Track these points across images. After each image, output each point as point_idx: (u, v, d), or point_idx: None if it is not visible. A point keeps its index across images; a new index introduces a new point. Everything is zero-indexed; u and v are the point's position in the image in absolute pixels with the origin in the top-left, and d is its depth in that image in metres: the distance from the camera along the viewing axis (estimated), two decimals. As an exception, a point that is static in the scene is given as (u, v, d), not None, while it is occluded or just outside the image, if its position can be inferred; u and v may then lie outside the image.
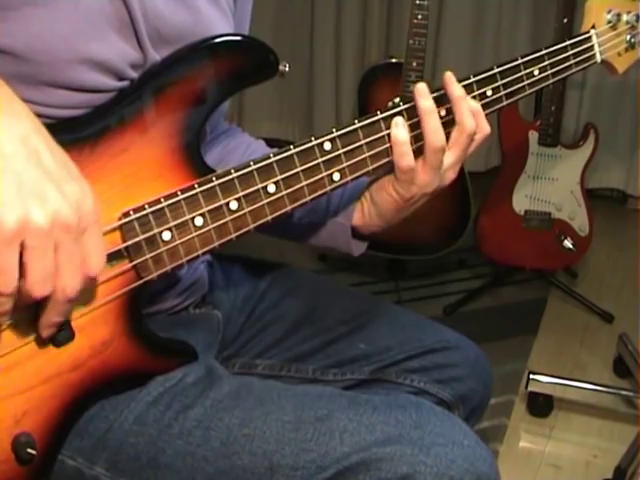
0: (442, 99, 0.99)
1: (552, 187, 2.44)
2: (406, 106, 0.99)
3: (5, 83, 0.75)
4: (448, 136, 0.98)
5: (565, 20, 2.24)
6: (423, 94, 0.97)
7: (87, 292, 0.84)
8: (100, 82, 0.88)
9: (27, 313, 0.80)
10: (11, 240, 0.69)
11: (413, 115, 0.98)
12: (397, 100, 1.00)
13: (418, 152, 0.98)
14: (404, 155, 0.96)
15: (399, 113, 0.99)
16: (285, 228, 1.12)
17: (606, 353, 2.33)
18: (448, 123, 0.99)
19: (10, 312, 0.74)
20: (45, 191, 0.71)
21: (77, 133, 0.78)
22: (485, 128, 1.00)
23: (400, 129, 0.96)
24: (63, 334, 0.83)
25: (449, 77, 0.98)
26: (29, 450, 0.82)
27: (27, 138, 0.72)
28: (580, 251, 2.47)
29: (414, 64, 2.32)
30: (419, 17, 2.28)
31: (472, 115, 0.98)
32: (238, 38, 0.91)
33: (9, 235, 0.69)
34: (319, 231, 1.11)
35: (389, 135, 0.98)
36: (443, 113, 0.99)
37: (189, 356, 0.97)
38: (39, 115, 0.76)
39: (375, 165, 0.99)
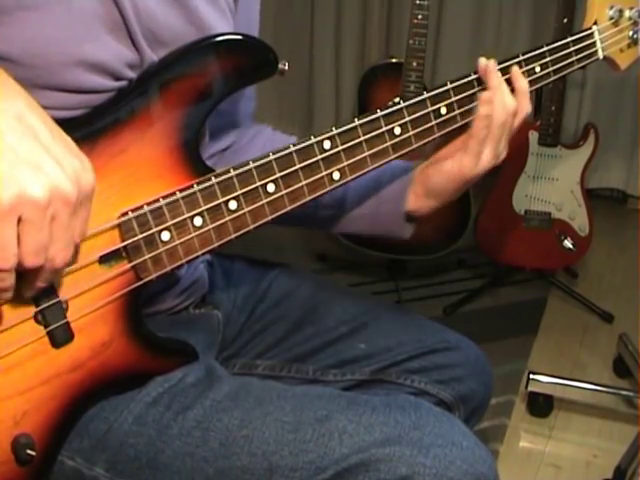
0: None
1: (552, 187, 2.44)
2: (406, 104, 0.99)
3: None
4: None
5: (565, 20, 2.24)
6: (493, 70, 1.02)
7: (87, 293, 0.84)
8: (97, 83, 0.88)
9: (27, 313, 0.80)
10: (8, 215, 0.69)
11: (417, 110, 1.00)
12: (397, 100, 1.00)
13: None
14: (485, 128, 1.01)
15: (400, 110, 0.99)
16: (340, 224, 1.14)
17: (606, 353, 2.32)
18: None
19: (12, 287, 0.74)
20: (42, 164, 0.71)
21: (75, 133, 0.78)
22: (525, 107, 1.05)
23: (490, 106, 1.01)
24: (62, 335, 0.83)
25: (488, 64, 1.03)
26: (28, 451, 0.82)
27: (22, 115, 0.72)
28: (580, 251, 2.47)
29: (414, 64, 2.32)
30: (419, 17, 2.28)
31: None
32: (237, 37, 0.91)
33: (5, 210, 0.69)
34: (372, 220, 1.12)
35: (389, 133, 0.98)
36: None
37: (189, 356, 0.97)
38: None
39: (376, 164, 0.99)
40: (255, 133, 1.19)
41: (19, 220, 0.70)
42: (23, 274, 0.75)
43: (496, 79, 1.03)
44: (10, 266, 0.71)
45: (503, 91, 1.03)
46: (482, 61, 1.04)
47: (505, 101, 1.02)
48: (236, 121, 1.16)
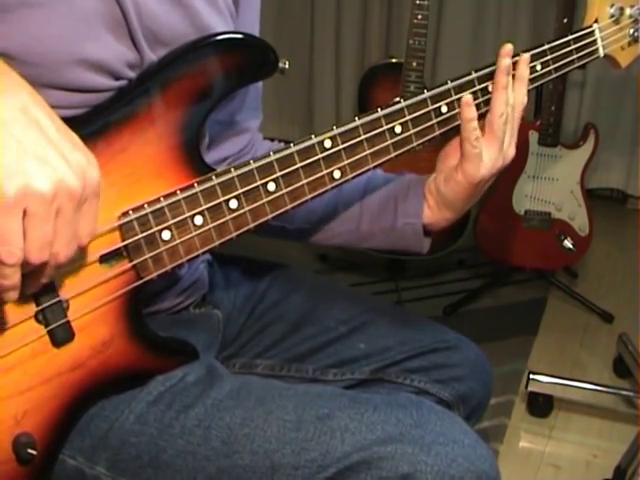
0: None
1: (552, 187, 2.44)
2: (406, 103, 1.00)
3: (1, 59, 0.75)
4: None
5: (565, 20, 2.24)
6: (505, 71, 1.01)
7: (87, 292, 0.84)
8: (97, 82, 0.88)
9: (27, 313, 0.80)
10: (13, 208, 0.68)
11: (418, 109, 1.00)
12: (397, 100, 1.00)
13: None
14: (474, 130, 1.00)
15: (400, 109, 0.99)
16: (358, 240, 1.13)
17: (606, 353, 2.32)
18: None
19: (18, 286, 0.72)
20: (48, 158, 0.70)
21: (75, 132, 0.78)
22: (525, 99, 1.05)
23: (472, 108, 1.01)
24: (63, 334, 0.83)
25: (527, 59, 1.04)
26: (29, 450, 0.82)
27: (26, 107, 0.71)
28: (580, 251, 2.47)
29: (414, 64, 2.32)
30: (419, 17, 2.28)
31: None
32: (238, 36, 0.91)
33: (11, 203, 0.68)
34: (389, 235, 1.11)
35: (390, 131, 0.98)
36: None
37: (189, 355, 0.97)
38: None
39: (376, 162, 0.99)
40: (267, 149, 1.19)
41: (24, 214, 0.69)
42: (25, 270, 0.75)
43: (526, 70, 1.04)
44: (16, 261, 0.70)
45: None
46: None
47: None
48: (237, 129, 1.14)
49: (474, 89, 1.02)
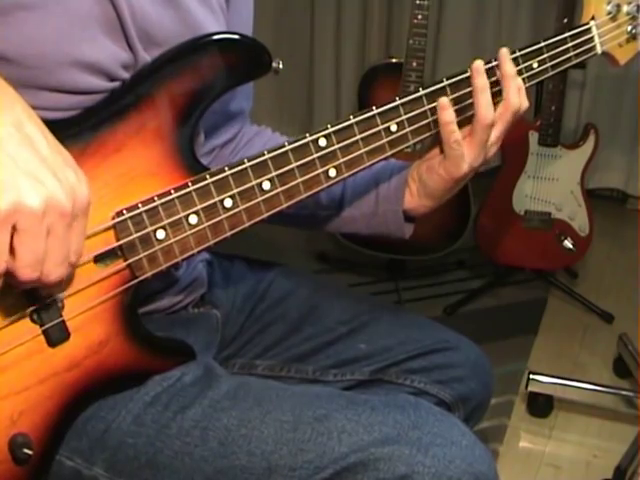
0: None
1: (552, 187, 2.44)
2: (402, 101, 0.99)
3: None
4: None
5: (565, 20, 2.23)
6: (479, 72, 1.00)
7: (82, 291, 0.83)
8: (92, 83, 0.88)
9: (22, 312, 0.80)
10: (3, 222, 0.70)
11: (414, 107, 1.00)
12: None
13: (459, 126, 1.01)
14: (452, 133, 1.00)
15: (396, 108, 0.99)
16: (339, 224, 1.14)
17: (606, 353, 2.32)
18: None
19: None
20: (39, 175, 0.71)
21: (69, 133, 0.78)
22: (524, 103, 1.04)
23: (448, 111, 1.00)
24: (58, 334, 0.83)
25: (505, 54, 1.02)
26: (25, 450, 0.82)
27: (20, 124, 0.73)
28: (580, 251, 2.46)
29: (414, 64, 2.32)
30: (419, 17, 2.28)
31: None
32: (231, 36, 0.91)
33: (1, 217, 0.69)
34: (371, 220, 1.12)
35: (386, 130, 0.98)
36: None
37: (186, 355, 0.97)
38: None
39: (372, 161, 0.99)
40: (254, 134, 1.19)
41: (15, 231, 0.71)
42: (17, 290, 0.76)
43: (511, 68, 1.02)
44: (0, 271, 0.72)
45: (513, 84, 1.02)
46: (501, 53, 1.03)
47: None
48: (230, 118, 1.15)
49: (470, 87, 1.02)
